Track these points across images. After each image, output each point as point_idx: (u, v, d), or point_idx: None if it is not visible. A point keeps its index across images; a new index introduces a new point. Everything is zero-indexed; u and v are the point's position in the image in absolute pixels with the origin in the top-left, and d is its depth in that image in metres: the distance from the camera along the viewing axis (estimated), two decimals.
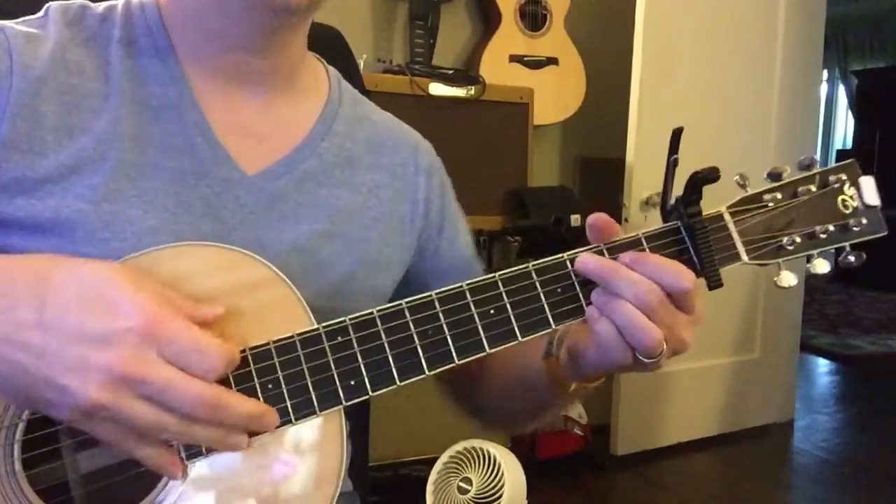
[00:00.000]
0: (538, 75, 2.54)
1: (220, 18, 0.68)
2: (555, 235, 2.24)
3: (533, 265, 0.63)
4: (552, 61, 2.58)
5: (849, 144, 7.36)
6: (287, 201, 0.71)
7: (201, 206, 0.67)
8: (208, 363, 0.52)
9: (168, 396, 0.51)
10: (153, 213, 0.64)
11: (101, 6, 0.71)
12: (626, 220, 2.48)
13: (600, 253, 0.63)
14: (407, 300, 0.61)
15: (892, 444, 2.96)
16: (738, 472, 2.72)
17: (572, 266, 0.63)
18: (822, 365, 4.12)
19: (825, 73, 7.20)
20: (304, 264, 0.70)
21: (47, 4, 0.69)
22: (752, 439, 2.92)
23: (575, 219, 2.26)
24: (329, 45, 0.73)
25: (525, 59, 2.54)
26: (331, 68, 0.82)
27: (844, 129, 7.72)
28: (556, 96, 2.58)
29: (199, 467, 0.58)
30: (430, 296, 0.61)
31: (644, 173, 2.48)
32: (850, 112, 7.42)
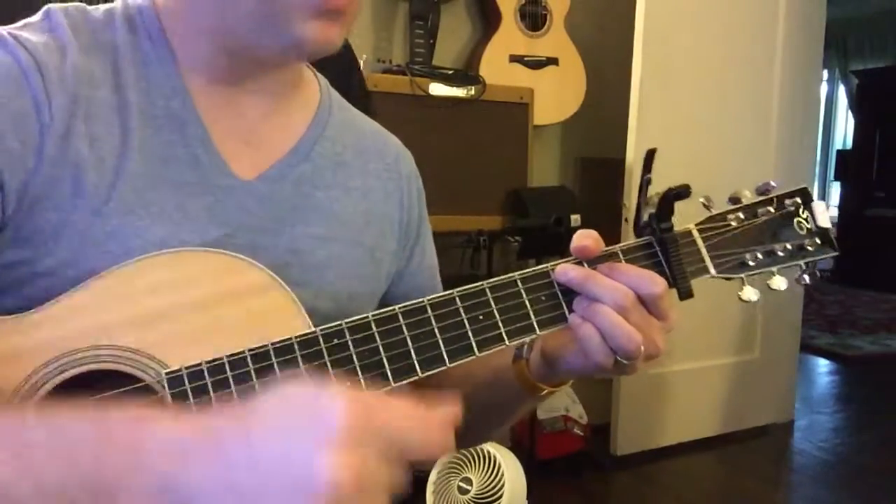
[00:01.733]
0: (538, 75, 2.55)
1: (235, 36, 0.67)
2: (555, 235, 2.24)
3: (518, 275, 0.66)
4: (552, 61, 2.58)
5: (849, 144, 7.36)
6: (284, 205, 0.72)
7: (206, 215, 0.67)
8: (428, 444, 0.44)
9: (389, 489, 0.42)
10: (159, 224, 0.64)
11: (99, 9, 0.70)
12: (626, 220, 2.48)
13: (580, 264, 0.67)
14: (400, 306, 0.63)
15: (892, 444, 2.97)
16: (738, 472, 2.72)
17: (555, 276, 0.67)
18: (822, 365, 4.12)
19: (825, 73, 7.21)
20: (301, 267, 0.70)
21: (46, 7, 0.68)
22: (752, 439, 2.93)
23: (575, 219, 2.26)
24: None
25: (525, 59, 2.54)
26: (320, 76, 0.83)
27: (844, 129, 7.72)
28: (556, 96, 2.58)
29: None
30: (423, 301, 0.63)
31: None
32: (850, 112, 7.43)
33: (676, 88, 2.56)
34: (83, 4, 0.70)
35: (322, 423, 0.41)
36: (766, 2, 2.78)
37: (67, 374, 0.58)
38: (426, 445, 0.43)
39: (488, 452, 1.91)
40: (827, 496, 2.61)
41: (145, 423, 0.44)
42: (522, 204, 2.29)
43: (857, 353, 4.30)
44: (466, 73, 2.36)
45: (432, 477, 1.97)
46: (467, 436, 0.91)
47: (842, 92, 7.65)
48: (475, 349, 0.64)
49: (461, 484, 1.87)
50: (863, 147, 6.63)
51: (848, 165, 6.82)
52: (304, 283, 0.67)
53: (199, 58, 0.69)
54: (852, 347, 4.40)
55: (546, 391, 0.71)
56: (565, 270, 0.66)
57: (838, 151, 7.52)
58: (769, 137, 2.83)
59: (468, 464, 1.92)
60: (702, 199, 0.71)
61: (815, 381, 3.91)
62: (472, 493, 1.84)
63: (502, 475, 1.85)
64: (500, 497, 1.83)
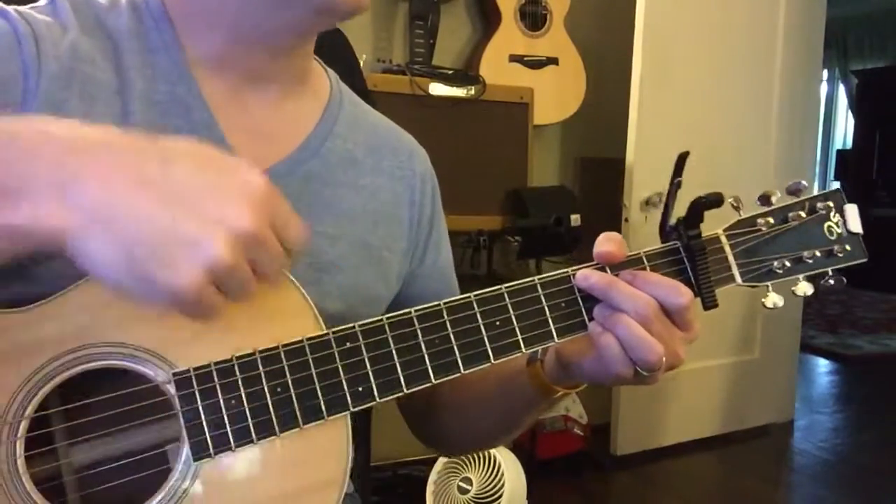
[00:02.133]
0: (538, 75, 2.54)
1: (251, 18, 0.66)
2: (555, 235, 2.24)
3: (538, 279, 0.64)
4: (552, 61, 2.58)
5: (849, 144, 7.36)
6: (292, 201, 0.71)
7: None
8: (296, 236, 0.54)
9: (275, 258, 0.53)
10: None
11: None
12: (626, 220, 2.48)
13: (602, 270, 0.65)
14: (416, 308, 0.62)
15: (892, 444, 2.97)
16: (738, 472, 2.72)
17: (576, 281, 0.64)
18: (822, 365, 4.12)
19: (825, 73, 7.20)
20: (310, 266, 0.69)
21: None
22: (752, 439, 2.93)
23: (575, 219, 2.26)
24: (331, 43, 0.73)
25: (525, 59, 2.54)
26: (330, 70, 0.81)
27: (844, 129, 7.72)
28: (556, 96, 2.58)
29: (204, 470, 0.57)
30: (439, 305, 0.62)
31: (644, 173, 2.48)
32: (850, 112, 7.43)
33: (676, 88, 2.56)
34: None
35: (245, 183, 0.51)
36: (766, 2, 2.78)
37: (74, 371, 0.57)
38: (288, 243, 0.53)
39: (488, 452, 1.91)
40: (827, 496, 2.61)
41: (47, 127, 0.50)
42: (522, 204, 2.29)
43: (857, 352, 4.30)
44: (466, 73, 2.36)
45: (432, 477, 1.97)
46: (478, 440, 0.90)
47: (842, 92, 7.64)
48: (490, 356, 0.62)
49: (461, 484, 1.86)
50: (863, 147, 6.63)
51: (848, 165, 6.82)
52: (312, 282, 0.65)
53: (208, 48, 0.68)
54: (852, 347, 4.39)
55: (561, 393, 0.69)
56: (587, 276, 0.64)
57: (838, 151, 7.52)
58: (769, 137, 2.83)
59: (468, 464, 1.92)
60: (730, 200, 0.68)
61: (815, 381, 3.91)
62: (472, 493, 1.83)
63: (502, 475, 1.85)
64: (500, 497, 1.83)
